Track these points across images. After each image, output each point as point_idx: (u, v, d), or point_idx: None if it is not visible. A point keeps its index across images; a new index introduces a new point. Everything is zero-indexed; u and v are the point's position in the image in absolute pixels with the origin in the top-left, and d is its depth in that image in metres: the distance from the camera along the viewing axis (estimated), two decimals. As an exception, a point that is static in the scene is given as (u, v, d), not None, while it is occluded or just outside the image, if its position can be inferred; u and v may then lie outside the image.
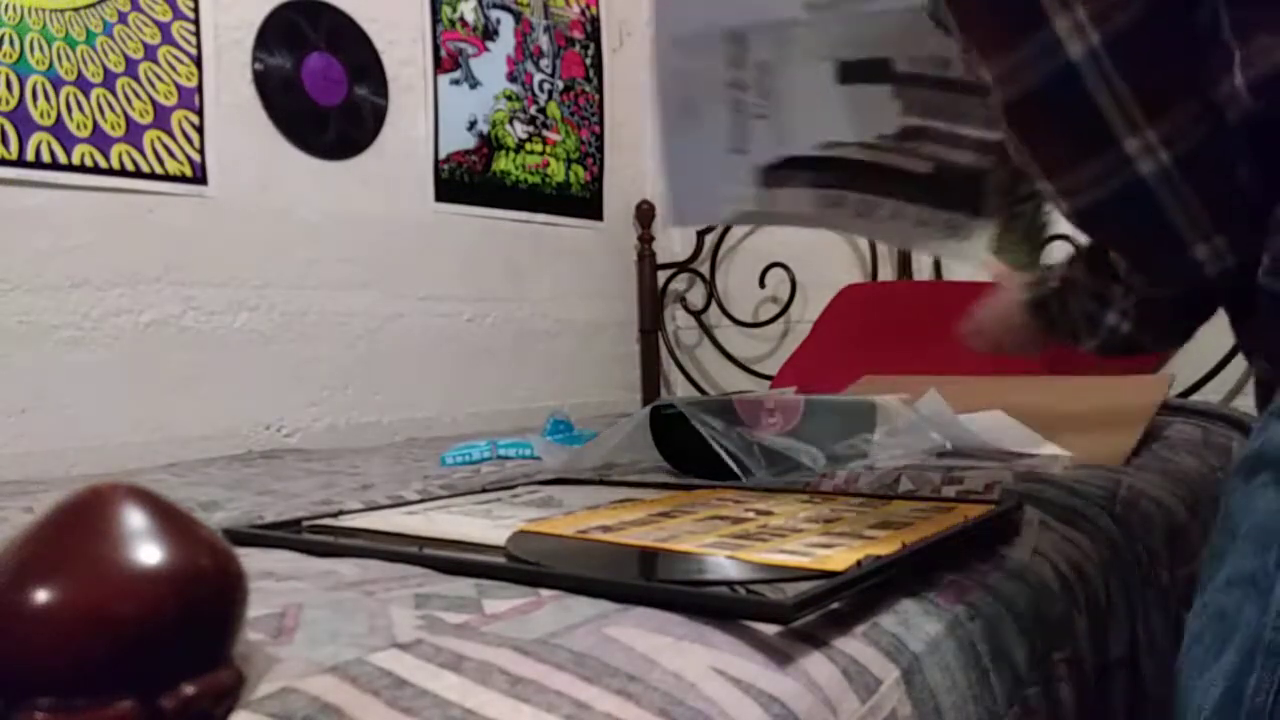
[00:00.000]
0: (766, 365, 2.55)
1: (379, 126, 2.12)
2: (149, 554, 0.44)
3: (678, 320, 2.79)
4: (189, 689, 0.43)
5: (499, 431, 1.96)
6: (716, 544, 0.74)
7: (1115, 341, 0.83)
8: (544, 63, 2.51)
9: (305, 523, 0.91)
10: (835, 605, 0.63)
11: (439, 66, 2.25)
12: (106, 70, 1.68)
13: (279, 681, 0.48)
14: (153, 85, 1.74)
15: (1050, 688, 0.77)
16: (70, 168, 1.63)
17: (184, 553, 0.45)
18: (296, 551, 0.80)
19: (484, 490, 1.08)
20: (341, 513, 0.96)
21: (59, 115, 1.62)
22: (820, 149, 0.84)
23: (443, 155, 2.26)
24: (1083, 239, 0.74)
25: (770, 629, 0.59)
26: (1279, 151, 0.52)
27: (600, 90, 2.67)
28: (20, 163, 1.58)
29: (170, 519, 0.46)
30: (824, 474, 1.19)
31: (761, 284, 2.57)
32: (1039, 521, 0.95)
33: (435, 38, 2.25)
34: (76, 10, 1.65)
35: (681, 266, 2.69)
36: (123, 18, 1.70)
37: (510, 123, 2.41)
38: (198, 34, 1.81)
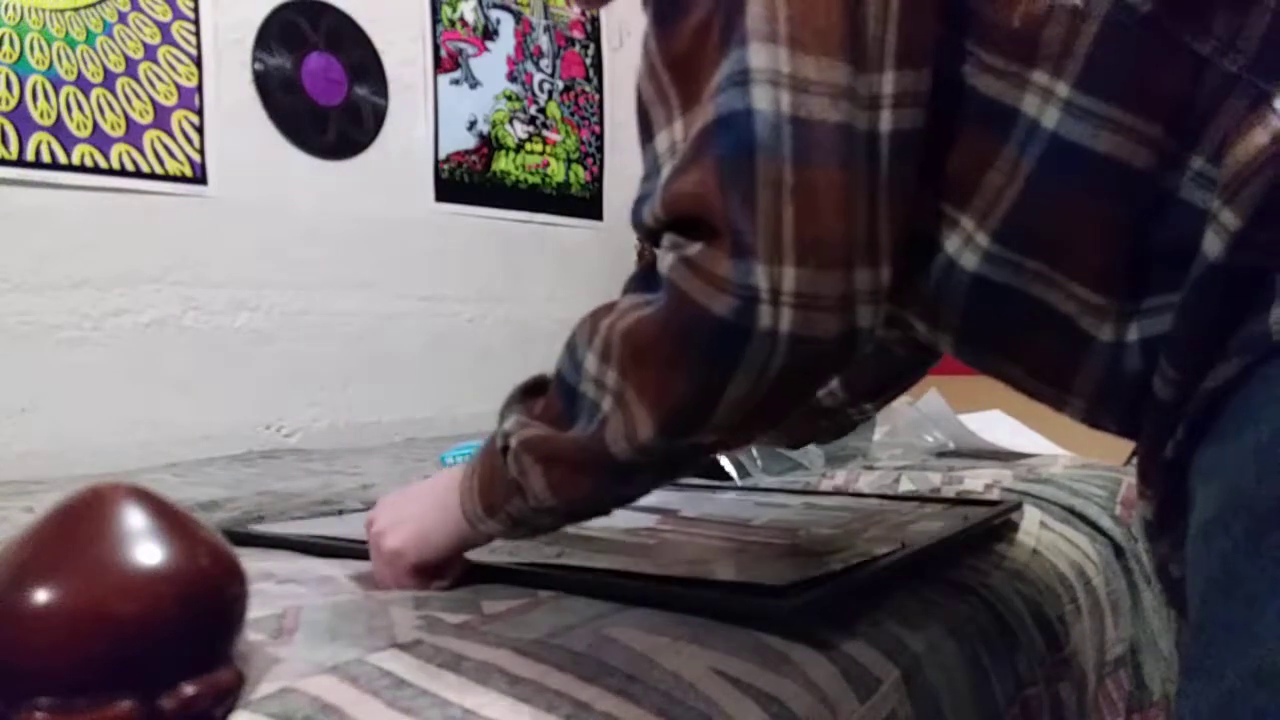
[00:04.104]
0: (766, 365, 2.55)
1: (379, 126, 2.12)
2: (149, 554, 0.44)
3: (678, 320, 2.78)
4: (189, 689, 0.43)
5: (499, 431, 1.95)
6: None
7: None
8: (544, 63, 2.51)
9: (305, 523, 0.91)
10: (834, 605, 0.63)
11: (439, 66, 2.25)
12: (106, 70, 1.68)
13: (279, 681, 0.48)
14: (153, 85, 1.74)
15: (1050, 688, 0.77)
16: (70, 168, 1.63)
17: (184, 553, 0.45)
18: (296, 552, 0.80)
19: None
20: (343, 512, 0.96)
21: (59, 115, 1.62)
22: None
23: (443, 155, 2.26)
24: None
25: (769, 629, 0.59)
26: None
27: (600, 90, 2.67)
28: (20, 163, 1.57)
29: (170, 519, 0.46)
30: (824, 474, 1.19)
31: (761, 284, 2.56)
32: (1039, 521, 0.95)
33: (435, 38, 2.25)
34: (76, 10, 1.65)
35: (681, 266, 2.69)
36: (123, 18, 1.70)
37: (510, 123, 2.41)
38: (198, 34, 1.80)
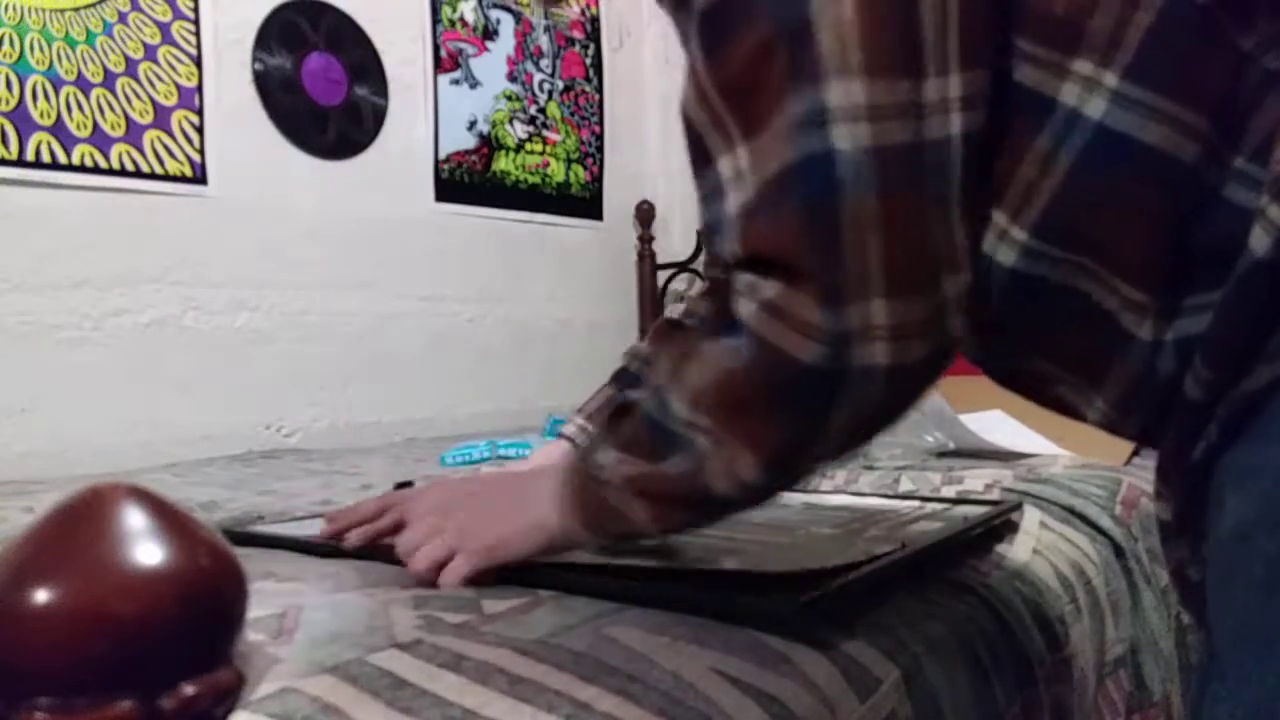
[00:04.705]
0: (766, 365, 2.54)
1: (379, 126, 2.12)
2: (149, 554, 0.44)
3: (678, 320, 2.78)
4: (189, 689, 0.43)
5: (499, 431, 1.96)
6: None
7: None
8: (544, 63, 2.51)
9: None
10: (834, 605, 0.63)
11: (439, 66, 2.25)
12: (106, 70, 1.68)
13: (279, 681, 0.48)
14: (153, 85, 1.74)
15: (1050, 688, 0.77)
16: (70, 168, 1.63)
17: (184, 553, 0.45)
18: (297, 552, 0.80)
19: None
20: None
21: (59, 115, 1.62)
22: None
23: (443, 155, 2.26)
24: None
25: (769, 629, 0.59)
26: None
27: (600, 90, 2.67)
28: (20, 163, 1.57)
29: (170, 519, 0.46)
30: (824, 474, 1.19)
31: (761, 284, 2.56)
32: (1039, 521, 0.95)
33: (435, 38, 2.25)
34: (76, 10, 1.65)
35: (681, 266, 2.69)
36: (123, 18, 1.70)
37: (510, 123, 2.41)
38: (198, 34, 1.81)
